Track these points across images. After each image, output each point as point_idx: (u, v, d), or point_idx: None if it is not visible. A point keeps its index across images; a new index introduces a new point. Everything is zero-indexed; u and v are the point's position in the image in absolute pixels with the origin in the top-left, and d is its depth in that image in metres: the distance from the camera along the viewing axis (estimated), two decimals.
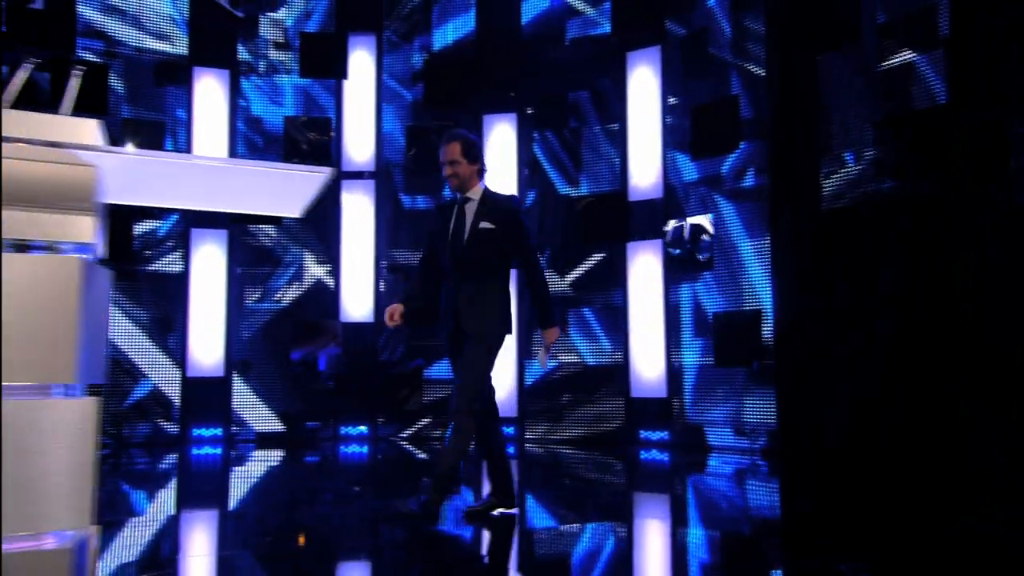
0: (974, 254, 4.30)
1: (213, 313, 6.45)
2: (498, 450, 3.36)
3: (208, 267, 6.49)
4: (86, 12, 6.31)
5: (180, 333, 6.43)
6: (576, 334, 6.67)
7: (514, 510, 3.43)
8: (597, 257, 6.70)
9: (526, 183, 6.85)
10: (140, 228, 6.41)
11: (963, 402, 4.32)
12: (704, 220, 6.11)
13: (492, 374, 3.27)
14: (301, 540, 3.27)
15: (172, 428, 6.36)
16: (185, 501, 4.28)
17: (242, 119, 6.89)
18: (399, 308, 3.32)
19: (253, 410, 6.66)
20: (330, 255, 6.86)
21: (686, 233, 6.18)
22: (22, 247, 1.32)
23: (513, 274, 3.45)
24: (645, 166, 6.37)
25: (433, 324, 3.46)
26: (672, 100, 6.40)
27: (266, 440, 6.55)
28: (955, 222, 4.40)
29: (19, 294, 1.25)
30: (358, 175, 6.80)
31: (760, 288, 5.78)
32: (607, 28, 6.68)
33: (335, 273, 6.80)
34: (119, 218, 5.84)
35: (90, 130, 1.33)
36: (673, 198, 6.31)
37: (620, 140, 6.55)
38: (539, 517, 3.80)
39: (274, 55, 7.04)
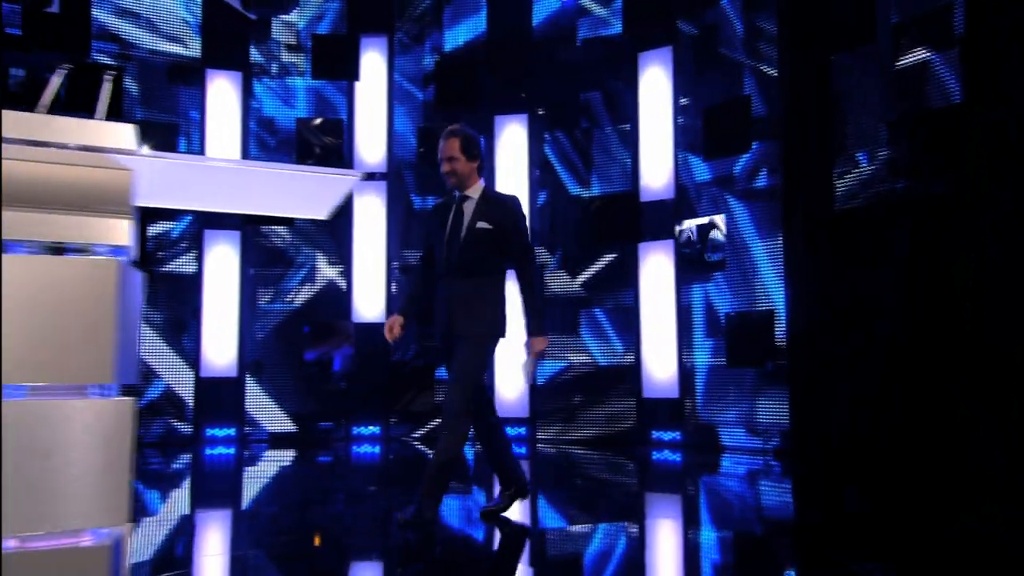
0: (987, 254, 4.29)
1: (226, 314, 6.49)
2: (503, 446, 3.33)
3: (221, 268, 6.53)
4: (100, 15, 6.36)
5: (194, 334, 6.47)
6: (588, 335, 6.68)
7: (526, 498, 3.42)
8: (609, 258, 6.70)
9: (537, 184, 6.86)
10: (154, 229, 6.45)
11: (963, 402, 4.33)
12: (716, 220, 6.10)
13: (485, 375, 3.21)
14: (317, 540, 3.29)
15: (185, 428, 6.40)
16: (199, 501, 4.31)
17: (255, 120, 6.92)
18: (398, 320, 3.25)
19: (266, 410, 6.69)
20: (342, 256, 6.89)
21: (698, 233, 6.18)
22: (58, 250, 1.34)
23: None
24: (657, 167, 6.37)
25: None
26: (683, 100, 6.40)
27: (279, 440, 6.58)
28: (969, 222, 4.39)
29: (57, 295, 1.27)
30: (370, 176, 6.83)
31: (772, 289, 5.77)
32: (618, 29, 6.68)
33: (347, 274, 6.83)
34: None
35: (125, 134, 1.35)
36: (685, 198, 6.31)
37: (632, 141, 6.55)
38: (551, 518, 3.81)
39: (286, 57, 7.07)
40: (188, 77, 6.67)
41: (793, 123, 5.61)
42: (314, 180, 1.40)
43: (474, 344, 3.10)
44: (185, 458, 5.71)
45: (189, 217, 6.57)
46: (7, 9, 6.07)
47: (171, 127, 6.61)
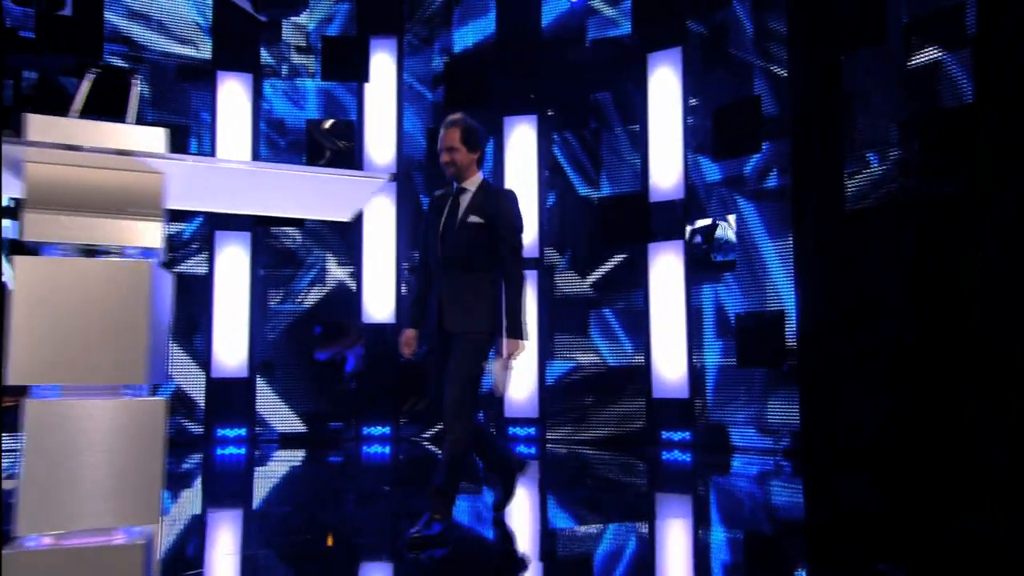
0: (989, 254, 4.29)
1: (237, 314, 6.52)
2: (487, 439, 3.31)
3: (232, 269, 6.56)
4: (112, 18, 6.40)
5: (204, 334, 6.50)
6: (597, 335, 6.69)
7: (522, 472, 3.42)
8: (618, 258, 6.71)
9: (546, 185, 6.87)
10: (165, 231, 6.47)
11: (970, 402, 4.33)
12: (726, 220, 6.11)
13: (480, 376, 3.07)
14: (330, 540, 3.31)
15: (196, 428, 6.43)
16: (211, 501, 4.33)
17: (265, 122, 6.95)
18: (412, 334, 3.16)
19: (276, 411, 6.72)
20: (352, 257, 6.91)
21: (707, 234, 6.18)
22: (90, 252, 1.36)
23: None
24: (666, 167, 6.38)
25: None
26: (693, 101, 6.40)
27: (289, 440, 6.60)
28: (980, 223, 4.38)
29: (92, 297, 1.29)
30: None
31: (783, 289, 5.77)
32: (627, 29, 6.69)
33: (357, 275, 6.85)
34: None
35: (157, 138, 1.37)
36: (695, 199, 6.32)
37: (641, 141, 6.55)
38: (562, 518, 3.82)
39: (296, 59, 7.10)
40: (199, 79, 6.70)
41: (803, 123, 5.61)
42: (341, 182, 1.42)
43: (469, 342, 3.00)
44: (196, 458, 5.73)
45: (200, 218, 6.60)
46: (19, 12, 6.12)
47: (182, 128, 6.64)
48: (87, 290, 1.29)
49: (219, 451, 6.04)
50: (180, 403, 6.46)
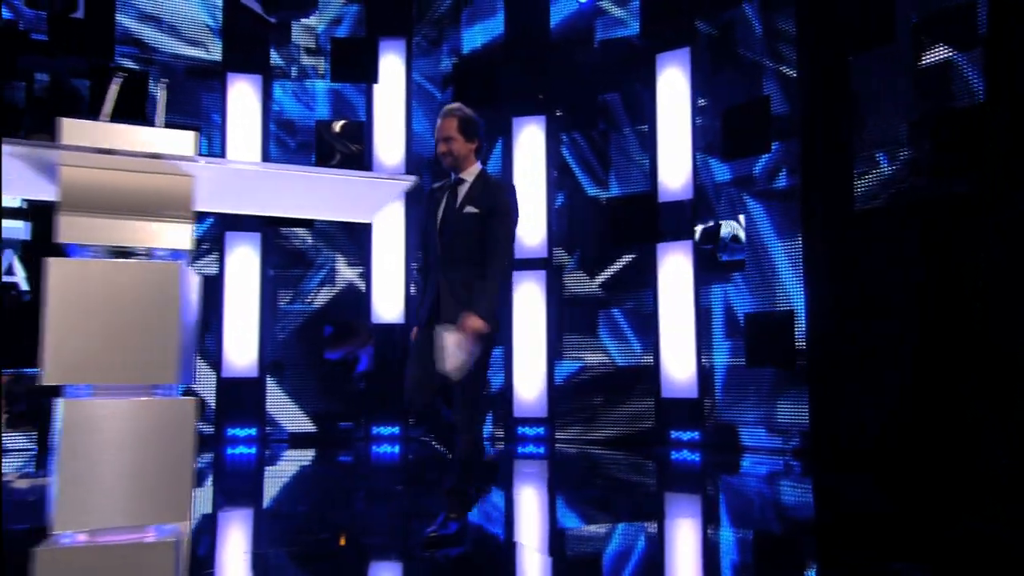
0: (992, 254, 4.29)
1: (247, 315, 6.55)
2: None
3: (242, 269, 6.59)
4: (123, 20, 6.44)
5: (215, 334, 6.53)
6: (606, 335, 6.70)
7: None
8: (627, 258, 6.71)
9: (555, 185, 6.88)
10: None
11: (974, 402, 4.33)
12: (735, 220, 6.11)
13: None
14: (342, 540, 3.32)
15: (207, 428, 6.46)
16: (222, 500, 4.35)
17: (275, 122, 6.99)
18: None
19: (286, 410, 6.75)
20: (361, 257, 6.94)
21: (716, 233, 6.18)
22: (121, 253, 1.38)
23: (514, 274, 3.15)
24: (675, 167, 6.38)
25: None
26: (702, 101, 6.40)
27: (299, 440, 6.64)
28: (991, 223, 4.38)
29: (123, 298, 1.31)
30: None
31: (792, 289, 5.77)
32: (636, 30, 6.70)
33: (366, 275, 6.87)
34: None
35: (186, 141, 1.39)
36: (704, 199, 6.32)
37: (650, 142, 6.56)
38: (572, 518, 3.83)
39: (306, 60, 7.13)
40: (209, 80, 6.74)
41: (812, 123, 5.61)
42: (370, 185, 1.44)
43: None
44: (207, 457, 5.77)
45: (211, 219, 6.64)
46: (31, 15, 6.16)
47: (192, 129, 6.64)
48: (118, 291, 1.32)
49: (229, 450, 6.08)
50: None
